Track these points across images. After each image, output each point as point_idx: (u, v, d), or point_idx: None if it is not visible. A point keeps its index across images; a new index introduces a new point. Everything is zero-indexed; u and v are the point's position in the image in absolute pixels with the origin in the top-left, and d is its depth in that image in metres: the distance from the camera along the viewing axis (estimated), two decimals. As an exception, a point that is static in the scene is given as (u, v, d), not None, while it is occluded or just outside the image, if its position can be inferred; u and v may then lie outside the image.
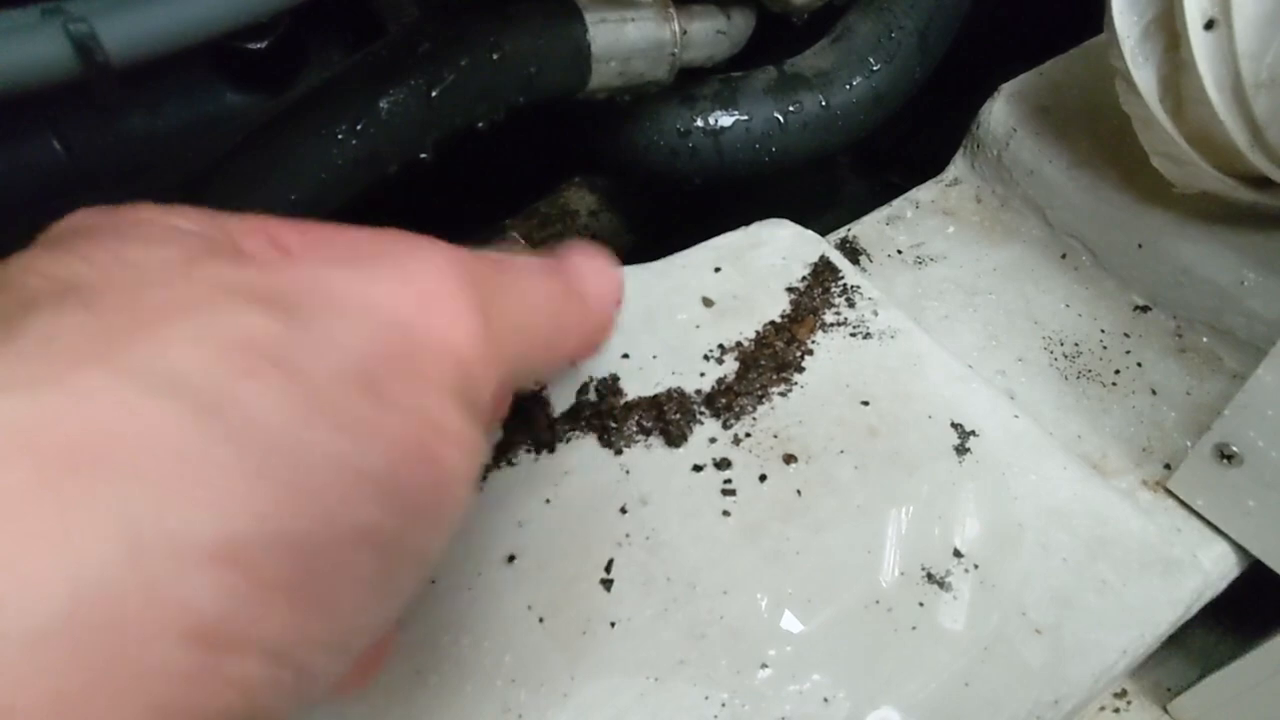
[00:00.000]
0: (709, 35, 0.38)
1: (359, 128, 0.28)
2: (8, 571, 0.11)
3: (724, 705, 0.24)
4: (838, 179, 0.60)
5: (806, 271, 0.35)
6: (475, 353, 0.16)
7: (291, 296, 0.14)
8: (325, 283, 0.15)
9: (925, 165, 0.45)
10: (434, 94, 0.29)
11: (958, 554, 0.27)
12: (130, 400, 0.12)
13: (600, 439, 0.30)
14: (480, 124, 0.31)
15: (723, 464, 0.29)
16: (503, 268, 0.18)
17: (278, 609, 0.13)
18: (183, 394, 0.12)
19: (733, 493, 0.29)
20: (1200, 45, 0.30)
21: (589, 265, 0.21)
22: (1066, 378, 0.36)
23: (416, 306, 0.15)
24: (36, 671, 0.11)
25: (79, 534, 0.11)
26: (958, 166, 0.44)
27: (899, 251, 0.41)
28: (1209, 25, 0.29)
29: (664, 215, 0.59)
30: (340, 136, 0.28)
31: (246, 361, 0.13)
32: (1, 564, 0.11)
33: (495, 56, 0.30)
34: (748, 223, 0.38)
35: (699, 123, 0.40)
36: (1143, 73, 0.32)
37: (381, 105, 0.28)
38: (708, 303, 0.34)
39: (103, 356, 0.12)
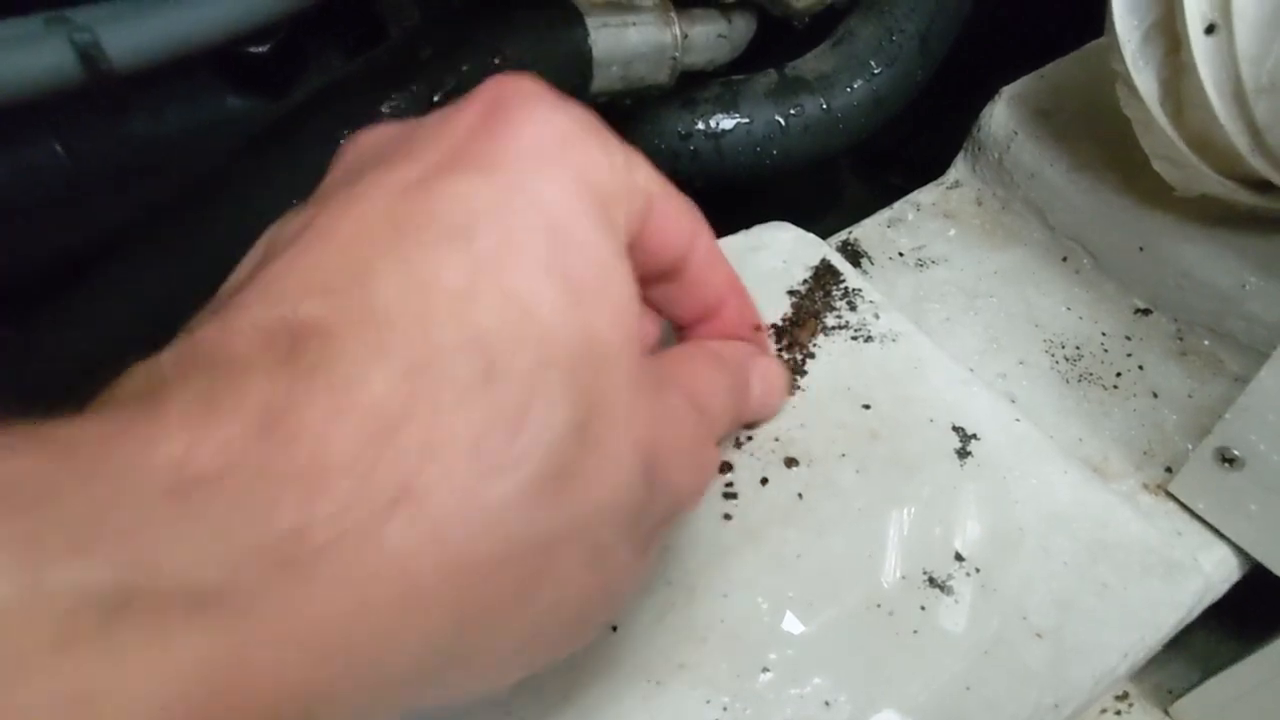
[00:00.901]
0: (710, 39, 0.38)
1: (361, 132, 0.28)
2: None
3: (725, 709, 0.24)
4: (838, 181, 0.61)
5: (808, 274, 0.36)
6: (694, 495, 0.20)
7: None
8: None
9: (926, 168, 0.45)
10: (435, 99, 0.29)
11: (959, 557, 0.27)
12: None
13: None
14: (482, 128, 0.31)
15: (724, 467, 0.29)
16: (698, 397, 0.21)
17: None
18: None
19: (734, 496, 0.29)
20: (1201, 49, 0.30)
21: (760, 368, 0.26)
22: (1068, 381, 0.36)
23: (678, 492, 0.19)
24: None
25: None
26: (958, 169, 0.44)
27: (900, 254, 0.41)
28: (1210, 30, 0.30)
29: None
30: (342, 141, 0.28)
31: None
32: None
33: (496, 61, 0.30)
34: (748, 225, 0.38)
35: (700, 126, 0.40)
36: (1143, 76, 0.32)
37: (384, 111, 0.28)
38: (709, 306, 0.34)
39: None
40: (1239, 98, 0.30)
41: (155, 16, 0.19)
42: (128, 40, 0.19)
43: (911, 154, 0.54)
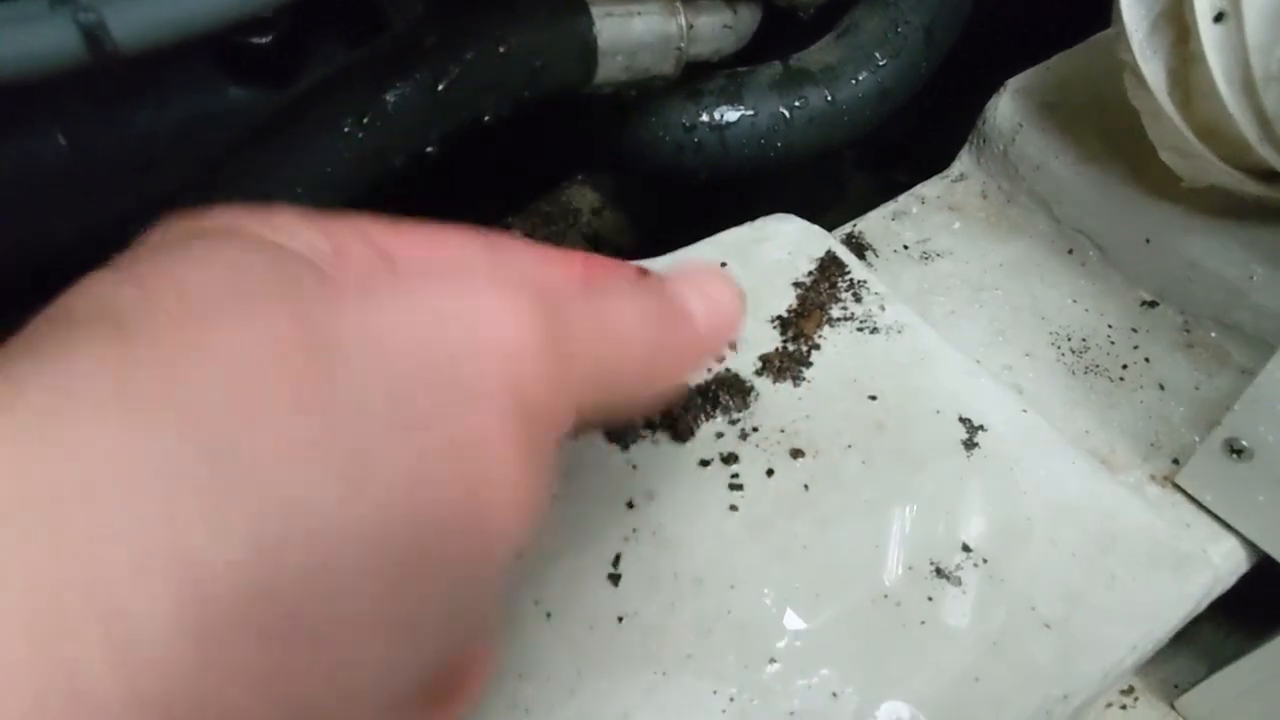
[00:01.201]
0: (715, 30, 0.37)
1: (365, 121, 0.28)
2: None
3: (732, 700, 0.24)
4: (842, 174, 0.60)
5: (813, 266, 0.35)
6: (541, 380, 0.15)
7: (332, 326, 0.14)
8: (367, 311, 0.14)
9: (930, 160, 0.45)
10: (440, 88, 0.29)
11: (966, 549, 0.27)
12: (134, 448, 0.12)
13: (607, 434, 0.30)
14: (486, 118, 0.31)
15: (730, 459, 0.29)
16: (592, 296, 0.17)
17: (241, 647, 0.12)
18: (186, 438, 0.12)
19: (740, 488, 0.28)
20: (1210, 38, 0.29)
21: (702, 282, 0.19)
22: (1074, 373, 0.36)
23: (478, 347, 0.14)
24: None
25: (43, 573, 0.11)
26: (963, 162, 0.44)
27: (905, 247, 0.41)
28: (1219, 18, 0.29)
29: (667, 213, 0.58)
30: (346, 130, 0.28)
31: (265, 409, 0.12)
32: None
33: (501, 50, 0.30)
34: (751, 215, 0.37)
35: (704, 118, 0.40)
36: (1151, 66, 0.32)
37: (388, 99, 0.28)
38: (714, 298, 0.34)
39: (117, 399, 0.12)
40: (1248, 87, 0.30)
41: (161, -2, 0.19)
42: (133, 21, 0.19)
43: (916, 147, 0.54)
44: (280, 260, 0.15)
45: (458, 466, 0.14)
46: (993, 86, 0.43)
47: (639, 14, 0.34)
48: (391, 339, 0.14)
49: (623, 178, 0.56)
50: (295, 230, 0.16)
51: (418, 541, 0.13)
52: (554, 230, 0.58)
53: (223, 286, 0.14)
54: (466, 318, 0.14)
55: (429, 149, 0.31)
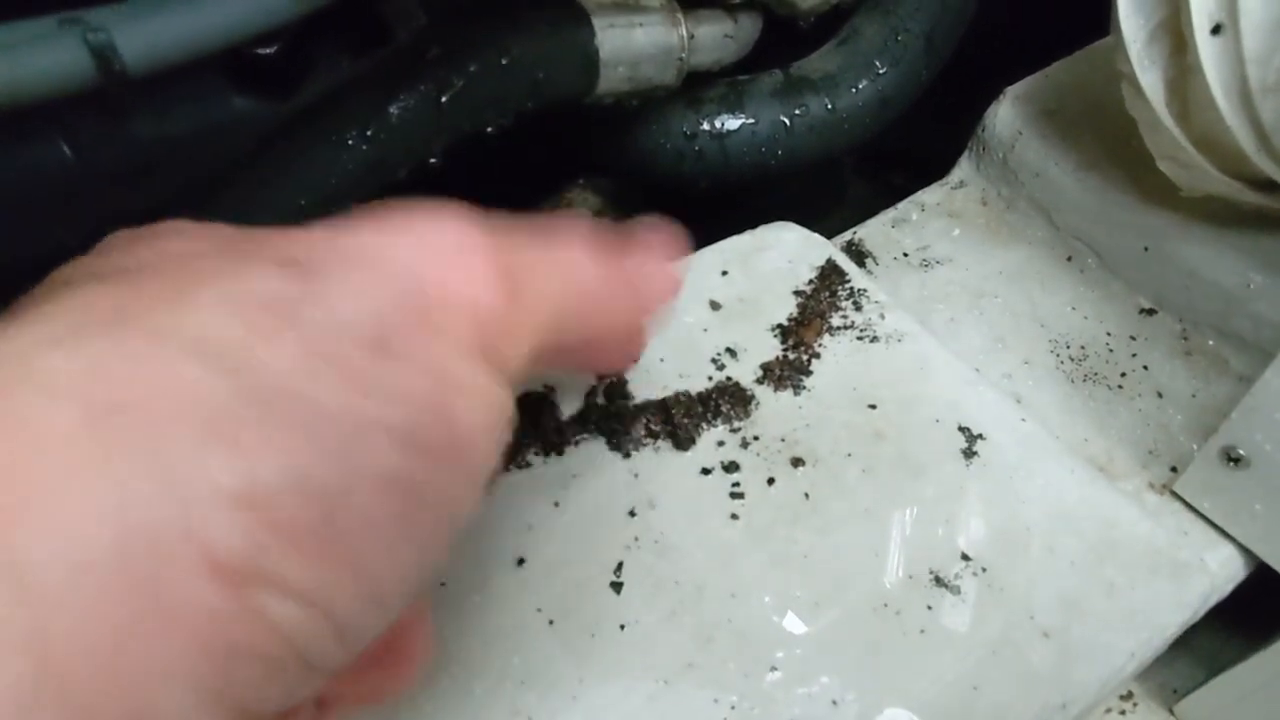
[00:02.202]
0: (716, 40, 0.38)
1: (369, 133, 0.28)
2: (59, 504, 0.12)
3: (733, 708, 0.24)
4: (842, 180, 0.61)
5: (813, 275, 0.36)
6: (494, 310, 0.16)
7: (310, 259, 0.15)
8: (342, 244, 0.15)
9: (929, 166, 0.45)
10: (443, 100, 0.29)
11: (965, 557, 0.28)
12: (163, 357, 0.13)
13: (609, 442, 0.30)
14: (489, 129, 0.32)
15: (731, 467, 0.29)
16: (543, 237, 0.18)
17: (301, 552, 0.13)
18: (207, 353, 0.13)
19: (741, 496, 0.29)
20: (1207, 50, 0.30)
21: (647, 254, 0.21)
22: (1073, 380, 0.36)
23: (431, 262, 0.16)
24: (82, 601, 0.11)
25: (122, 473, 0.12)
26: (963, 169, 0.44)
27: (905, 254, 0.41)
28: (1216, 30, 0.30)
29: (669, 216, 0.59)
30: (350, 142, 0.28)
31: (264, 321, 0.14)
32: (54, 497, 0.12)
33: (504, 62, 0.30)
34: (752, 223, 0.38)
35: (705, 126, 0.40)
36: (1149, 77, 0.32)
37: (391, 111, 0.28)
38: (715, 306, 0.34)
39: (139, 318, 0.13)
40: (1245, 98, 0.30)
41: (169, 17, 0.19)
42: (141, 42, 0.19)
43: (916, 153, 0.54)
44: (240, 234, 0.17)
45: (436, 388, 0.15)
46: (992, 93, 0.44)
47: (641, 25, 0.34)
48: (368, 275, 0.15)
49: (623, 182, 0.56)
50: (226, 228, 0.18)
51: (417, 447, 0.15)
52: (555, 234, 0.58)
53: (204, 246, 0.15)
54: (429, 248, 0.16)
55: (432, 159, 0.31)
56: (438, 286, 0.16)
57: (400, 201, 0.18)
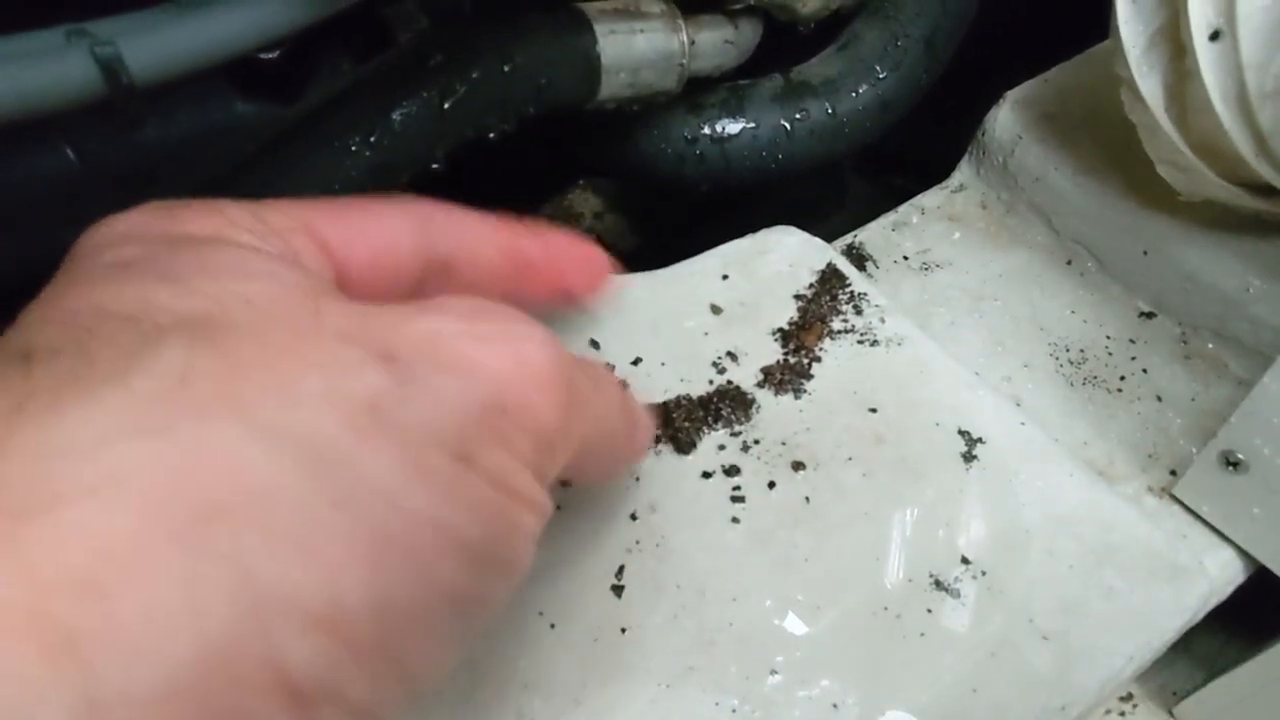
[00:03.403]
0: (717, 45, 0.38)
1: (372, 139, 0.28)
2: (142, 621, 0.11)
3: (734, 711, 0.24)
4: (841, 181, 0.61)
5: (814, 279, 0.36)
6: (558, 428, 0.17)
7: (409, 356, 0.15)
8: (437, 339, 0.15)
9: (929, 168, 0.46)
10: (446, 106, 0.29)
11: (965, 560, 0.28)
12: (260, 458, 0.12)
13: (610, 446, 0.30)
14: (491, 134, 0.32)
15: (731, 471, 0.30)
16: (585, 362, 0.19)
17: (368, 669, 0.13)
18: (306, 455, 0.13)
19: (741, 499, 0.29)
20: (1205, 56, 0.30)
21: (639, 402, 0.23)
22: (1072, 384, 0.36)
23: (519, 377, 0.16)
24: None
25: (205, 588, 0.12)
26: (963, 173, 0.44)
27: (905, 258, 0.41)
28: (1214, 36, 0.30)
29: (668, 217, 0.59)
30: (354, 148, 0.28)
31: (365, 424, 0.14)
32: (135, 612, 0.11)
33: (506, 68, 0.30)
34: (752, 226, 0.38)
35: (706, 130, 0.40)
36: (1148, 82, 0.33)
37: (394, 117, 0.28)
38: (716, 310, 0.35)
39: (233, 406, 0.13)
40: (1243, 104, 0.30)
41: (176, 29, 0.20)
42: (148, 54, 0.19)
43: (916, 156, 0.54)
44: (294, 272, 0.16)
45: (506, 502, 0.16)
46: (992, 97, 0.44)
47: (642, 31, 0.34)
48: (462, 384, 0.15)
49: (624, 183, 0.56)
50: (258, 234, 0.17)
51: (485, 562, 0.15)
52: (557, 235, 0.58)
53: (288, 298, 0.15)
54: (521, 363, 0.16)
55: (434, 164, 0.31)
56: (519, 402, 0.16)
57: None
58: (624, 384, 0.31)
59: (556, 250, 0.23)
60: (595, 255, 0.24)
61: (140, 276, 0.15)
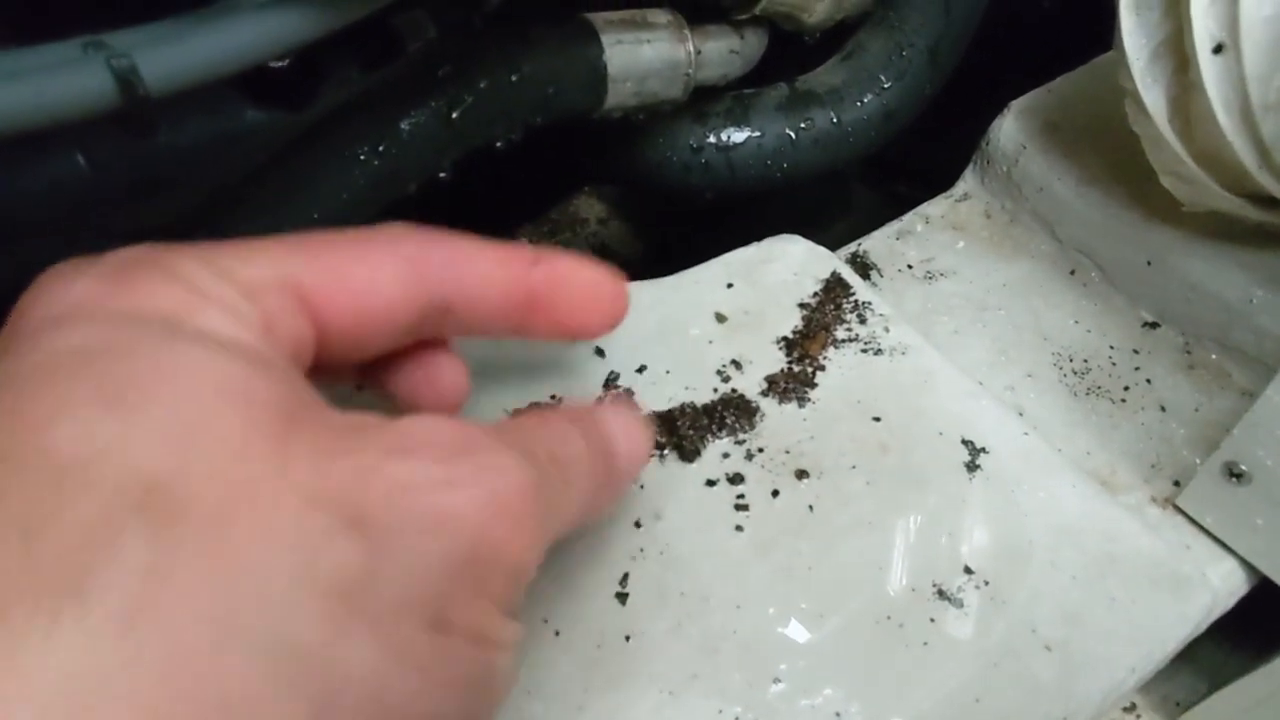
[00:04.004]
0: (723, 55, 0.38)
1: (381, 149, 0.29)
2: None
3: (737, 719, 0.25)
4: (846, 189, 0.61)
5: (818, 287, 0.36)
6: (531, 557, 0.16)
7: (377, 511, 0.14)
8: (410, 492, 0.14)
9: (933, 176, 0.46)
10: (454, 115, 0.29)
11: (968, 570, 0.28)
12: (233, 667, 0.12)
13: (615, 454, 0.30)
14: (498, 143, 0.32)
15: (736, 479, 0.30)
16: (557, 458, 0.18)
17: None
18: (282, 658, 0.12)
19: (745, 508, 0.29)
20: (1209, 68, 0.30)
21: (620, 422, 0.21)
22: (1075, 394, 0.36)
23: (491, 516, 0.15)
24: None
25: None
26: (967, 182, 0.44)
27: (909, 266, 0.41)
28: (1218, 49, 0.30)
29: (673, 223, 0.59)
30: (363, 157, 0.29)
31: (339, 612, 0.13)
32: None
33: (514, 78, 0.31)
34: (757, 234, 0.38)
35: (711, 139, 0.41)
36: (1152, 94, 0.33)
37: (403, 127, 0.29)
38: (720, 318, 0.35)
39: (202, 612, 0.12)
40: (1246, 116, 0.30)
41: (191, 41, 0.20)
42: (164, 65, 0.20)
43: (920, 165, 0.55)
44: (264, 378, 0.15)
45: (483, 657, 0.15)
46: (996, 107, 0.44)
47: (648, 41, 0.34)
48: (434, 541, 0.14)
49: (628, 190, 0.56)
50: (225, 304, 0.15)
51: (461, 703, 0.15)
52: (561, 239, 0.59)
53: (237, 441, 0.13)
54: (495, 506, 0.15)
55: (442, 173, 0.31)
56: (494, 547, 0.15)
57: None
58: (629, 393, 0.32)
59: (564, 284, 0.21)
60: (606, 285, 0.22)
61: (91, 394, 0.13)
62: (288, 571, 0.13)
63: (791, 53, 0.43)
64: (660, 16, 0.36)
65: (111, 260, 0.15)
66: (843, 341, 0.34)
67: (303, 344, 0.17)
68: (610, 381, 0.32)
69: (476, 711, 0.15)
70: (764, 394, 0.32)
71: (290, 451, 0.14)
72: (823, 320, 0.35)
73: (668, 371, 0.33)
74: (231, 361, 0.14)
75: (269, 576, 0.12)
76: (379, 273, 0.18)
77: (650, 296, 0.35)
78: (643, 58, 0.34)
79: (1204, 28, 0.30)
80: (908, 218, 0.43)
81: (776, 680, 0.25)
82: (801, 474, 0.30)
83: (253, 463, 0.13)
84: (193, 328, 0.15)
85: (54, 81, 0.18)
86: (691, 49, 0.36)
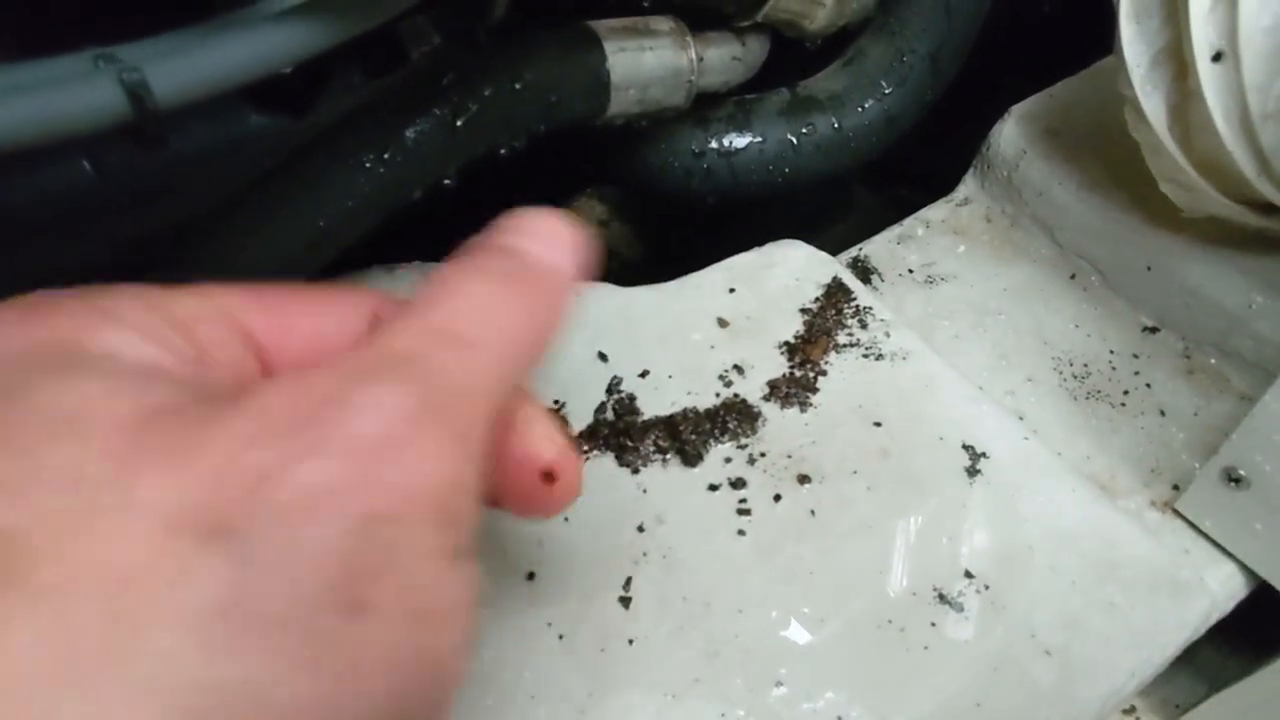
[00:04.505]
0: (725, 61, 0.38)
1: (386, 157, 0.29)
2: None
3: (739, 722, 0.25)
4: (847, 193, 0.61)
5: (819, 292, 0.36)
6: (457, 476, 0.14)
7: (238, 512, 0.12)
8: (267, 481, 0.12)
9: (934, 181, 0.46)
10: (458, 123, 0.29)
11: (968, 574, 0.28)
12: (135, 713, 0.11)
13: (618, 458, 0.30)
14: (501, 150, 0.32)
15: (738, 484, 0.30)
16: (447, 329, 0.15)
17: None
18: (167, 691, 0.11)
19: (748, 512, 0.29)
20: (1208, 76, 0.30)
21: (519, 226, 0.18)
22: (1075, 398, 0.37)
23: (369, 473, 0.13)
24: None
25: None
26: (968, 186, 0.45)
27: (910, 271, 0.42)
28: (1217, 57, 0.30)
29: (675, 225, 0.59)
30: (368, 165, 0.29)
31: (221, 640, 0.11)
32: None
33: (517, 86, 0.31)
34: (759, 239, 0.38)
35: (713, 144, 0.41)
36: (1151, 101, 0.33)
37: (407, 135, 0.29)
38: (722, 323, 0.35)
39: (87, 668, 0.11)
40: (1245, 124, 0.30)
41: (200, 54, 0.20)
42: (173, 78, 0.20)
43: (921, 169, 0.55)
44: (147, 401, 0.13)
45: (417, 630, 0.13)
46: (997, 112, 0.44)
47: (651, 49, 0.35)
48: (310, 524, 0.12)
49: (630, 191, 0.57)
50: (146, 329, 0.14)
51: (405, 707, 0.13)
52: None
53: (96, 469, 0.12)
54: (348, 442, 0.13)
55: (446, 181, 0.31)
56: (387, 503, 0.13)
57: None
58: (631, 397, 0.32)
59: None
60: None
61: None
62: (147, 605, 0.11)
63: (793, 59, 0.43)
64: (663, 24, 0.36)
65: (41, 293, 0.15)
66: (844, 346, 0.34)
67: (246, 375, 0.16)
68: (613, 386, 0.32)
69: (429, 691, 0.13)
70: (766, 399, 0.32)
71: (138, 466, 0.12)
72: (824, 325, 0.35)
73: (670, 376, 0.33)
74: (100, 380, 0.13)
75: (150, 630, 0.11)
76: (334, 320, 0.17)
77: (652, 301, 0.35)
78: (645, 65, 0.34)
79: (1203, 36, 0.30)
80: (908, 222, 0.43)
81: (778, 684, 0.25)
82: (803, 478, 0.30)
83: (88, 493, 0.12)
84: (82, 356, 0.14)
85: (65, 96, 0.19)
86: (694, 56, 0.36)
